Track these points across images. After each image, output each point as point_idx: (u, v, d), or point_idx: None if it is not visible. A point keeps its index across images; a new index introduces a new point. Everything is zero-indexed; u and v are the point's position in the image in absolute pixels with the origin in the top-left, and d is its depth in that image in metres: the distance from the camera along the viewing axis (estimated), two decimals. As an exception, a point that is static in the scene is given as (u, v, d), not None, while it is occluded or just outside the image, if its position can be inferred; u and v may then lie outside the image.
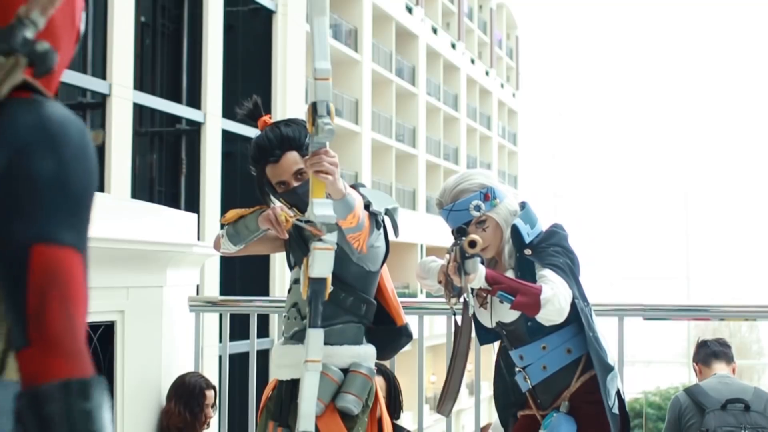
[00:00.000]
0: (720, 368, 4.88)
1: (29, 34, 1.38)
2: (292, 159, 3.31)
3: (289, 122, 3.39)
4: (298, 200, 3.31)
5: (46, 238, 1.34)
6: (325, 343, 3.17)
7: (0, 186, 1.32)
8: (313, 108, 2.70)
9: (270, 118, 3.44)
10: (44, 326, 1.32)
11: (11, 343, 1.38)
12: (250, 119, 3.46)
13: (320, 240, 2.75)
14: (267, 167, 3.33)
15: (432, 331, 25.50)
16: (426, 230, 34.16)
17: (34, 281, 1.33)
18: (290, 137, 3.32)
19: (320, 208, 2.75)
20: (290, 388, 3.33)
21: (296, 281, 3.43)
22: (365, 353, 3.37)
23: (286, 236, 3.31)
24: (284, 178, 3.32)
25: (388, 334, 3.57)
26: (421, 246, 34.09)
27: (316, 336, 2.79)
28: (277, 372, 3.46)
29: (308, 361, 2.80)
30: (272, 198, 3.41)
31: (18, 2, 1.42)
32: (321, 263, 2.74)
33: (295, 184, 3.31)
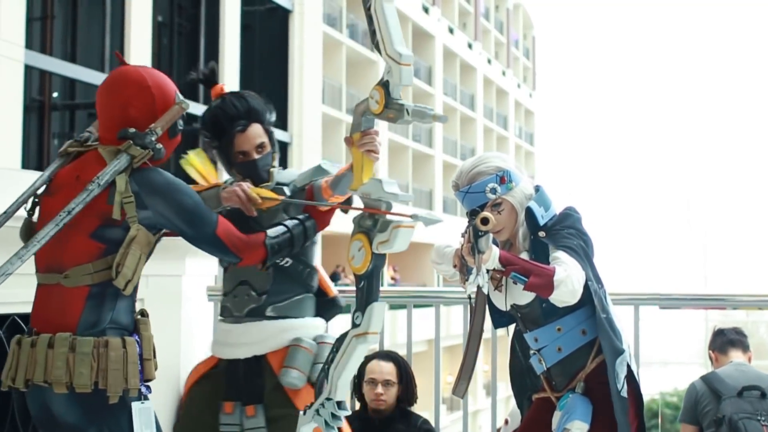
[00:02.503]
0: (736, 356, 4.87)
1: (153, 138, 2.84)
2: (257, 131, 3.37)
3: (247, 95, 3.44)
4: (255, 173, 3.34)
5: (215, 222, 2.94)
6: (287, 317, 3.28)
7: (176, 219, 2.86)
8: (386, 89, 2.79)
9: (224, 87, 3.48)
10: (241, 250, 2.97)
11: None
12: (205, 85, 3.47)
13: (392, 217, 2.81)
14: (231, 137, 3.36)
15: (449, 331, 25.45)
16: (442, 230, 34.16)
17: (226, 240, 2.94)
18: (257, 110, 3.38)
19: (390, 187, 2.82)
20: (251, 366, 3.33)
21: None
22: (321, 325, 3.48)
23: (255, 214, 3.29)
24: (246, 149, 3.35)
25: (323, 305, 3.64)
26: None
27: (380, 309, 2.82)
28: (232, 351, 3.46)
29: (369, 334, 2.82)
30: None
31: (151, 120, 2.89)
32: (403, 240, 2.79)
33: (256, 156, 3.34)
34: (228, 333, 3.44)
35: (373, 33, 2.86)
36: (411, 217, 2.82)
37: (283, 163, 20.03)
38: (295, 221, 3.14)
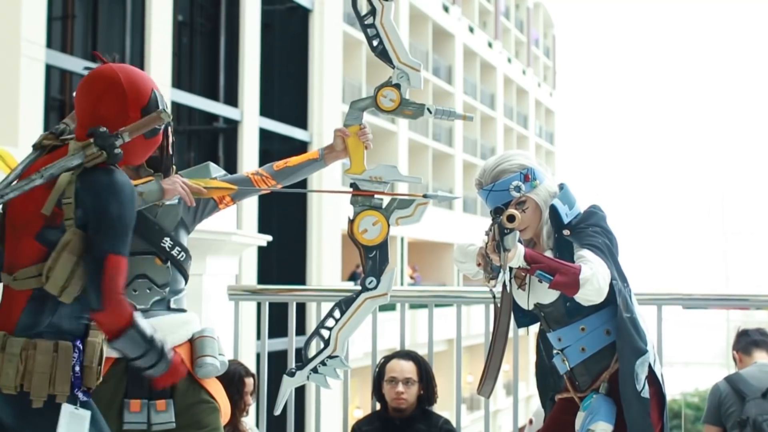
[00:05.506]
0: (760, 357, 4.84)
1: (118, 143, 2.68)
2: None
3: None
4: (170, 166, 3.36)
5: (114, 251, 2.64)
6: (182, 310, 3.37)
7: (92, 218, 2.63)
8: (399, 90, 3.31)
9: None
10: (111, 299, 2.63)
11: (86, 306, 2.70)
12: None
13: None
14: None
15: (469, 331, 25.41)
16: (463, 230, 34.12)
17: (107, 274, 2.62)
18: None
19: (402, 171, 3.38)
20: None
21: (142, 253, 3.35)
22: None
23: (194, 204, 3.36)
24: (172, 140, 3.40)
25: None
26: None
27: (393, 273, 3.32)
28: None
29: (385, 295, 3.32)
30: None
31: (123, 118, 2.76)
32: (423, 215, 3.35)
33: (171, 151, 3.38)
34: None
35: (370, 40, 3.31)
36: (424, 196, 3.31)
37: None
38: (159, 348, 2.82)
